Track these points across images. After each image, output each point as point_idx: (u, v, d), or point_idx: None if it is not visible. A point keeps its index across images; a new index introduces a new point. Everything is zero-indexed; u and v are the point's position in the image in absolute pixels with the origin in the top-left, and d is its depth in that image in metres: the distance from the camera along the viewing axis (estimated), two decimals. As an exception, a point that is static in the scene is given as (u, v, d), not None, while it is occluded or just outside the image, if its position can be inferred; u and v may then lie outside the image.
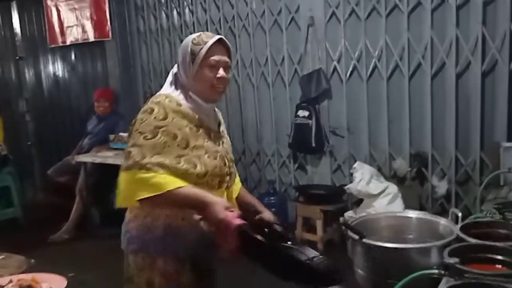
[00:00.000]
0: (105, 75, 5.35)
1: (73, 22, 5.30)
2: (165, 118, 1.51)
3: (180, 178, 1.49)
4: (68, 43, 5.41)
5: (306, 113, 3.82)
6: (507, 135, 3.13)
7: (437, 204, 3.50)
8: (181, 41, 4.74)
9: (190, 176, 1.52)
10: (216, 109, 1.73)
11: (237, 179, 1.83)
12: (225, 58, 1.60)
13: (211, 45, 1.56)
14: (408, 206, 3.33)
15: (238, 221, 1.41)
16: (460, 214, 1.74)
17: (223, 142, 1.69)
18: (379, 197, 3.30)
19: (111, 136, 4.66)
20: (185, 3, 4.74)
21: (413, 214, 1.89)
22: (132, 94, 5.24)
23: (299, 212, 3.85)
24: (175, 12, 4.84)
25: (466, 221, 1.75)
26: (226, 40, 1.60)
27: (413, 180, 3.59)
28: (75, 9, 5.27)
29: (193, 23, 4.68)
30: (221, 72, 1.58)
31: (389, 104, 3.62)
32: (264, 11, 4.14)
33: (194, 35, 1.60)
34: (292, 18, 4.00)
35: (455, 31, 3.23)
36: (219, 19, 4.46)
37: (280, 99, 4.20)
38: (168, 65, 4.95)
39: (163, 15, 4.93)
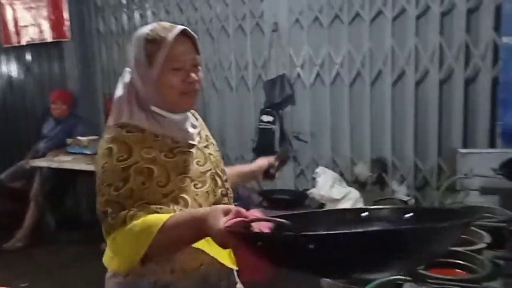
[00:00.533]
0: (62, 76, 5.17)
1: (29, 22, 5.10)
2: (130, 155, 1.17)
3: None
4: (23, 43, 5.20)
5: (270, 118, 3.83)
6: (463, 141, 3.25)
7: (396, 208, 3.57)
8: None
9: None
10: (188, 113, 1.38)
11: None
12: (193, 55, 1.25)
13: (172, 41, 1.20)
14: (369, 210, 3.39)
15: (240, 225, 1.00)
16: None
17: (209, 154, 1.35)
18: (341, 202, 3.35)
19: (69, 140, 4.52)
20: (147, 5, 4.66)
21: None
22: (92, 96, 5.09)
23: (263, 217, 3.83)
24: (136, 13, 4.75)
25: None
26: (190, 30, 1.25)
27: (373, 185, 3.67)
28: (31, 8, 5.08)
29: (156, 25, 4.60)
30: (191, 76, 1.23)
31: (351, 110, 3.68)
32: (228, 16, 4.13)
33: (146, 28, 1.24)
34: (257, 23, 4.01)
35: (414, 41, 3.33)
36: (182, 23, 4.39)
37: (244, 104, 4.19)
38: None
39: (124, 16, 4.83)
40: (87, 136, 4.51)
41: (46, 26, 5.00)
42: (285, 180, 4.03)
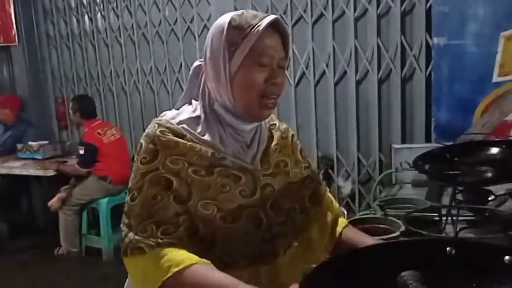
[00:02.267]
0: (11, 81, 5.09)
1: (-25, 26, 4.99)
2: (153, 159, 1.01)
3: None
4: (-31, 47, 5.08)
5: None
6: (401, 137, 3.41)
7: (343, 203, 3.71)
8: (94, 46, 4.66)
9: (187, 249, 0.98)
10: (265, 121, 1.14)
11: (341, 219, 1.28)
12: (282, 53, 1.04)
13: (263, 31, 0.99)
14: (316, 206, 3.52)
15: None
16: (345, 212, 1.89)
17: (267, 184, 1.08)
18: (288, 199, 3.45)
19: (19, 145, 4.46)
20: (96, 8, 4.64)
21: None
22: (42, 100, 5.03)
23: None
24: (86, 17, 4.73)
25: (352, 218, 1.91)
26: (283, 22, 1.05)
27: (321, 181, 3.79)
28: (-24, 11, 4.97)
29: (106, 28, 4.60)
30: (277, 77, 1.03)
31: (297, 109, 3.80)
32: (177, 19, 4.18)
33: (232, 14, 1.03)
34: (205, 26, 4.07)
35: (354, 42, 3.47)
36: (132, 25, 4.42)
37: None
38: (80, 71, 4.82)
39: (74, 19, 4.79)
40: (37, 141, 4.46)
41: (-8, 30, 4.90)
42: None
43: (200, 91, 1.08)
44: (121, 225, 1.03)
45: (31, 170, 4.10)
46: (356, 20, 3.45)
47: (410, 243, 1.01)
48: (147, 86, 4.45)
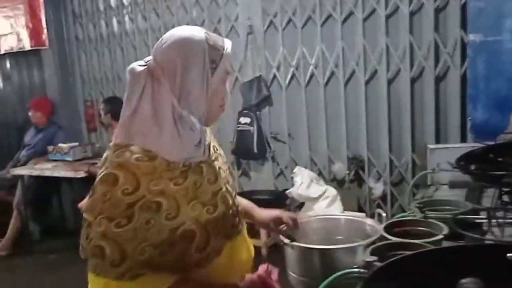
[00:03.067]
0: (42, 84, 5.18)
1: (8, 30, 5.11)
2: (137, 188, 1.06)
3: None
4: (2, 52, 5.20)
5: (248, 120, 3.88)
6: (435, 137, 3.32)
7: (374, 205, 3.64)
8: (122, 49, 4.72)
9: (187, 251, 1.11)
10: None
11: None
12: None
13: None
14: (347, 208, 3.46)
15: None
16: (384, 214, 1.83)
17: (219, 168, 1.25)
18: (318, 200, 3.40)
19: (50, 148, 4.53)
20: (124, 11, 4.69)
21: (341, 215, 1.97)
22: (72, 103, 5.10)
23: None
24: (114, 20, 4.77)
25: (390, 220, 1.85)
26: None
27: (351, 182, 3.73)
28: (9, 16, 5.08)
29: (134, 31, 4.63)
30: (229, 87, 1.25)
31: (327, 110, 3.74)
32: (204, 20, 4.17)
33: (201, 32, 1.16)
34: (232, 27, 4.05)
35: (385, 40, 3.39)
36: (160, 28, 4.44)
37: (222, 106, 4.22)
38: (108, 73, 4.87)
39: (102, 23, 4.85)
40: (68, 143, 4.52)
41: (24, 34, 5.01)
42: (264, 180, 4.08)
43: (162, 102, 1.11)
44: (91, 245, 1.07)
45: (62, 172, 4.15)
46: (387, 17, 3.38)
47: (469, 248, 0.95)
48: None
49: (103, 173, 1.09)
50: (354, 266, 1.41)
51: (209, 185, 1.18)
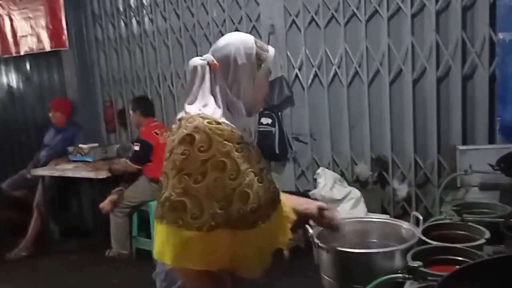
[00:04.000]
0: (62, 85, 5.20)
1: (27, 32, 5.13)
2: (210, 147, 1.26)
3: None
4: (22, 53, 5.22)
5: (269, 121, 3.84)
6: (462, 137, 3.25)
7: (398, 206, 3.58)
8: (141, 49, 4.70)
9: (244, 214, 1.29)
10: None
11: None
12: None
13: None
14: (370, 209, 3.40)
15: None
16: (421, 217, 1.79)
17: (260, 154, 1.44)
18: (342, 202, 3.35)
19: (70, 148, 4.55)
20: (144, 12, 4.68)
21: (376, 218, 1.93)
22: (91, 104, 5.12)
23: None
24: (134, 20, 4.78)
25: (427, 223, 1.80)
26: None
27: (375, 184, 3.67)
28: (29, 18, 5.11)
29: (153, 31, 4.63)
30: (268, 85, 1.51)
31: (350, 110, 3.69)
32: (225, 20, 4.15)
33: (247, 37, 1.42)
34: (253, 27, 4.02)
35: (410, 39, 3.34)
36: (180, 28, 4.43)
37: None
38: (127, 74, 4.88)
39: (122, 23, 4.86)
40: (88, 144, 4.53)
41: (44, 35, 5.02)
42: (285, 181, 4.04)
43: (218, 89, 1.37)
44: (172, 199, 1.25)
45: (84, 173, 4.16)
46: (413, 16, 3.32)
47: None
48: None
49: (180, 136, 1.29)
50: (398, 272, 1.38)
51: (256, 163, 1.36)
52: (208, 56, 1.39)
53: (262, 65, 1.39)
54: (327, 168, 3.73)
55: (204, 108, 1.34)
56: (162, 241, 1.28)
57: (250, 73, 1.37)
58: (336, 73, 3.70)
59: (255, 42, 1.40)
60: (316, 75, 3.80)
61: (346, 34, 3.60)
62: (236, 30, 4.09)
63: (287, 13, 3.83)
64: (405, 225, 1.81)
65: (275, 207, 1.40)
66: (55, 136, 4.75)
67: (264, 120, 3.87)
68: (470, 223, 1.74)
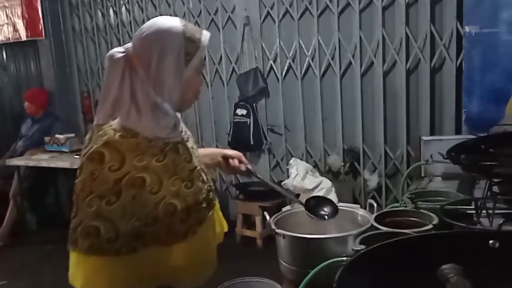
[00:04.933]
0: (39, 75, 5.17)
1: (3, 21, 5.09)
2: (122, 165, 1.13)
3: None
4: (-2, 42, 5.19)
5: (244, 112, 3.88)
6: (430, 129, 3.33)
7: (369, 196, 3.65)
8: (118, 40, 4.69)
9: (172, 228, 1.20)
10: None
11: None
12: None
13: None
14: (342, 199, 3.47)
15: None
16: (375, 204, 1.84)
17: (192, 147, 1.32)
18: (313, 192, 3.41)
19: (47, 138, 4.53)
20: (121, 2, 4.67)
21: (333, 206, 1.97)
22: (69, 94, 5.10)
23: (239, 209, 3.91)
24: (111, 11, 4.76)
25: (382, 210, 1.86)
26: None
27: (346, 174, 3.74)
28: (5, 7, 5.06)
29: (130, 22, 4.62)
30: (202, 78, 1.33)
31: (323, 101, 3.75)
32: (201, 11, 4.16)
33: (179, 24, 1.19)
34: (229, 18, 4.04)
35: (381, 32, 3.39)
36: (156, 18, 4.42)
37: (219, 98, 4.23)
38: (105, 64, 4.85)
39: (99, 13, 4.83)
40: (64, 134, 4.52)
41: (20, 25, 4.99)
42: (260, 172, 4.07)
43: (140, 88, 1.16)
44: (84, 224, 1.14)
45: (59, 163, 4.15)
46: (384, 9, 3.37)
47: (451, 235, 0.97)
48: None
49: (89, 152, 1.14)
50: (343, 255, 1.43)
51: (186, 163, 1.26)
52: (129, 47, 1.19)
53: (192, 60, 1.18)
54: (301, 159, 3.79)
55: (121, 115, 1.16)
56: (73, 265, 1.20)
57: (176, 71, 1.17)
58: (309, 65, 3.75)
59: (184, 32, 1.18)
60: (290, 66, 3.84)
61: (319, 26, 3.64)
62: (212, 21, 4.11)
63: (262, 5, 3.86)
64: (360, 212, 1.86)
65: (210, 207, 1.33)
66: (32, 127, 4.73)
67: (239, 111, 3.91)
68: (422, 210, 1.80)
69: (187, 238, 1.23)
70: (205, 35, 1.23)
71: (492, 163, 1.61)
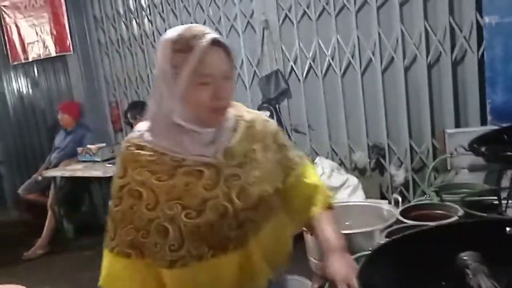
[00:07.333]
0: (69, 88, 5.36)
1: (34, 38, 5.31)
2: (124, 175, 1.15)
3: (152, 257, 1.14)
4: (30, 59, 5.41)
5: (267, 113, 3.95)
6: (454, 121, 3.32)
7: (397, 192, 3.65)
8: (143, 50, 4.81)
9: (161, 251, 1.12)
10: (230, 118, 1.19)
11: (321, 201, 1.33)
12: (224, 66, 1.09)
13: (202, 52, 1.05)
14: (369, 196, 3.49)
15: None
16: (400, 199, 1.89)
17: (232, 175, 1.15)
18: (340, 189, 3.45)
19: (79, 149, 4.69)
20: (143, 13, 4.80)
21: (359, 202, 2.03)
22: (98, 105, 5.26)
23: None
24: (134, 22, 4.90)
25: (407, 205, 1.90)
26: (222, 39, 1.11)
27: (373, 170, 3.76)
28: (34, 25, 5.28)
29: (153, 32, 4.75)
30: (220, 92, 1.08)
31: (345, 99, 3.78)
32: (220, 17, 4.25)
33: (173, 33, 1.08)
34: (248, 22, 4.12)
35: (400, 27, 3.40)
36: (178, 27, 4.53)
37: (242, 101, 4.27)
38: (131, 75, 5.01)
39: (123, 26, 4.98)
40: (96, 144, 4.68)
41: (49, 41, 5.20)
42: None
43: (156, 102, 1.14)
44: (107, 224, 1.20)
45: (93, 172, 4.31)
46: (401, 4, 3.39)
47: (469, 224, 1.01)
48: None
49: None
50: (369, 249, 1.48)
51: (204, 190, 1.12)
52: None
53: (181, 73, 1.05)
54: (326, 157, 3.83)
55: (140, 126, 1.19)
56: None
57: (169, 86, 1.08)
58: (330, 64, 3.78)
59: (173, 42, 1.07)
60: (311, 67, 3.88)
61: (337, 25, 3.67)
62: (232, 27, 4.19)
63: (279, 8, 3.92)
64: (386, 207, 1.91)
65: (217, 248, 1.13)
66: (65, 139, 4.91)
67: (263, 113, 3.96)
68: (448, 203, 1.84)
69: (173, 268, 1.13)
70: (203, 40, 1.06)
71: (513, 153, 1.63)
